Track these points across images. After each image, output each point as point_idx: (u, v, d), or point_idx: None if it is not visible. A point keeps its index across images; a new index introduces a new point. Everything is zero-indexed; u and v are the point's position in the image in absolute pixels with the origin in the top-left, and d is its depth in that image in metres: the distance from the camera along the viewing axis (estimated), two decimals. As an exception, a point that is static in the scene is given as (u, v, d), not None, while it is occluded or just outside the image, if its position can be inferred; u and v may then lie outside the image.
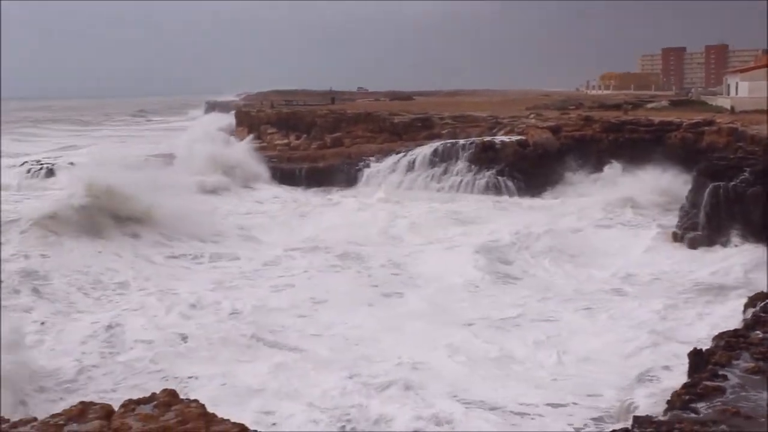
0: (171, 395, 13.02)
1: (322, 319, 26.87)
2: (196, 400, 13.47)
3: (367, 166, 58.80)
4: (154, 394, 13.34)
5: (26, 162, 68.43)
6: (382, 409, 18.65)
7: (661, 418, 14.74)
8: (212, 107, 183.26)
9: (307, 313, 27.49)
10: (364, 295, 30.14)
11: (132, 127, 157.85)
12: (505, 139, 57.63)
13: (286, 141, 72.31)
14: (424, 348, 23.14)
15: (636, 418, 14.63)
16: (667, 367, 21.12)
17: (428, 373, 21.11)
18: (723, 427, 14.12)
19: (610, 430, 14.33)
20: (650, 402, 17.86)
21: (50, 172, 63.27)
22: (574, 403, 19.37)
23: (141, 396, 13.28)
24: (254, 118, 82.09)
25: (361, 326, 25.85)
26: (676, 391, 15.84)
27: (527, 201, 51.46)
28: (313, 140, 69.64)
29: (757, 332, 19.58)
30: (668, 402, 15.70)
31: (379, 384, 20.20)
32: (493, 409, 19.03)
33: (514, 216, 45.77)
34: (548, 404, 19.35)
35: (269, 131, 76.21)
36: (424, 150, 57.98)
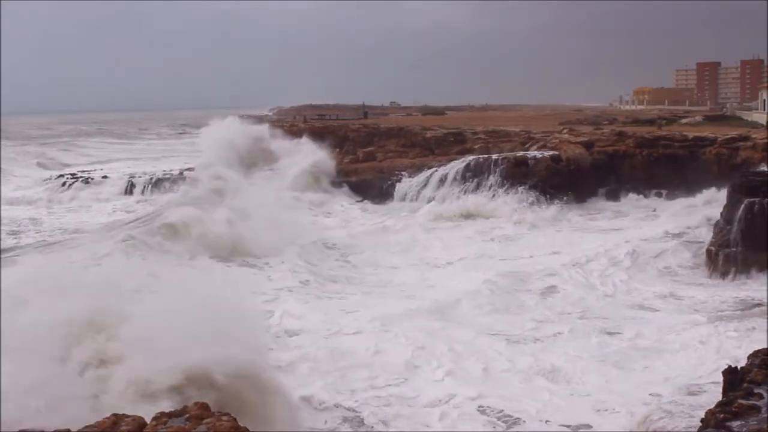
0: (203, 408, 13.06)
1: None
2: (228, 413, 13.48)
3: (399, 180, 58.73)
4: (186, 407, 13.40)
5: (62, 175, 69.53)
6: None
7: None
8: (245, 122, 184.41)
9: None
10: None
11: (178, 140, 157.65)
12: (538, 154, 57.45)
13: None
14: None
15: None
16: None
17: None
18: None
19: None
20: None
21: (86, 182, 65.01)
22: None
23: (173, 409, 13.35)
24: (287, 132, 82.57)
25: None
26: (710, 410, 15.69)
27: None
28: (346, 154, 69.83)
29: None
30: (702, 420, 15.56)
31: None
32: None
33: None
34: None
35: (302, 145, 76.56)
36: (457, 165, 57.92)
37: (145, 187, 64.18)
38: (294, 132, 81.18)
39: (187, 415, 12.82)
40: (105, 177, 68.13)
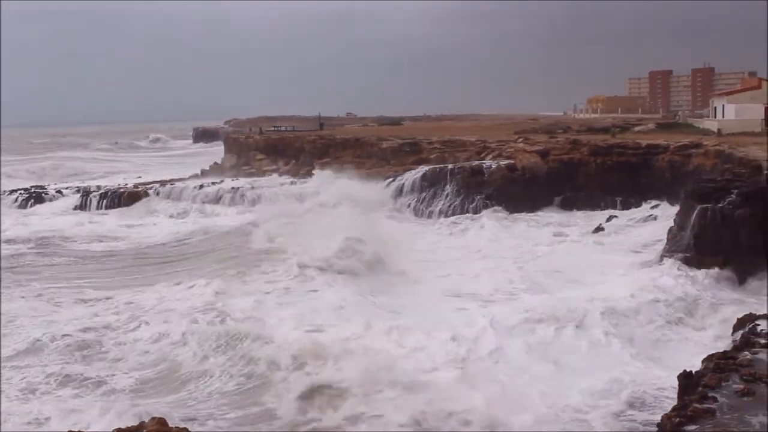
0: (160, 423, 12.97)
1: None
2: (185, 429, 13.40)
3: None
4: (143, 422, 13.29)
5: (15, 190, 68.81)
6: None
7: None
8: (200, 134, 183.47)
9: None
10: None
11: (154, 153, 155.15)
12: (494, 163, 57.77)
13: (275, 167, 72.39)
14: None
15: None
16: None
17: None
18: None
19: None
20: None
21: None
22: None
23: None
24: (243, 145, 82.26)
25: None
26: (666, 414, 15.86)
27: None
28: (302, 166, 69.71)
29: (746, 353, 19.63)
30: (658, 425, 15.72)
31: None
32: None
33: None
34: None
35: (258, 157, 76.39)
36: (413, 175, 58.08)
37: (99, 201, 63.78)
38: (250, 144, 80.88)
39: (144, 430, 12.73)
40: (59, 192, 67.63)
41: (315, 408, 21.07)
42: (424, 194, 56.47)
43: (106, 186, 69.63)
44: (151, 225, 56.45)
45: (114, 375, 24.35)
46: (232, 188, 63.26)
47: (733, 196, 36.75)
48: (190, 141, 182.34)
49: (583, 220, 50.66)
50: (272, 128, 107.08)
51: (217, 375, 24.01)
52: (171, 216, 59.32)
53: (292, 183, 64.46)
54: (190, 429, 13.69)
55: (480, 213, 53.11)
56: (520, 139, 67.35)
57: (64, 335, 27.93)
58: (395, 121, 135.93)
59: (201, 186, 65.05)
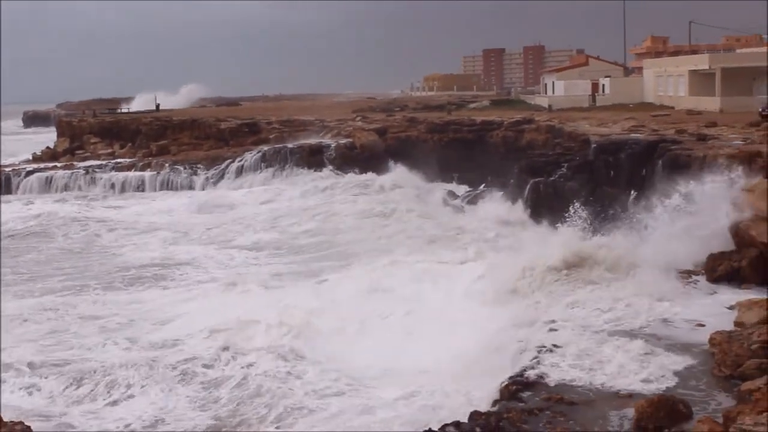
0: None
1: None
2: (21, 422, 13.13)
3: (195, 173, 57.62)
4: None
5: None
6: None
7: (492, 410, 15.21)
8: (31, 118, 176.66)
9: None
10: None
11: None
12: (333, 142, 57.99)
13: (110, 150, 70.44)
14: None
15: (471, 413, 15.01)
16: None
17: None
18: (547, 413, 14.72)
19: (442, 425, 14.59)
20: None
21: None
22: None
23: None
24: (76, 128, 79.54)
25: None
26: (503, 383, 16.39)
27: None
28: (139, 149, 68.14)
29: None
30: (499, 393, 16.23)
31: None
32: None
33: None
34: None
35: (92, 141, 74.01)
36: (253, 155, 57.68)
37: None
38: (84, 128, 78.32)
39: None
40: None
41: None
42: (264, 174, 56.11)
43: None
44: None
45: None
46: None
47: (564, 169, 38.16)
48: (21, 125, 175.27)
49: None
50: (107, 110, 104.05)
51: None
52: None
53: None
54: None
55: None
56: (358, 118, 67.82)
57: None
58: (233, 102, 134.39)
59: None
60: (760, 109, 47.83)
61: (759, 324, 18.58)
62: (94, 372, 21.53)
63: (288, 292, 28.90)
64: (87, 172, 59.43)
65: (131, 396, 20.30)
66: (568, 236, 27.53)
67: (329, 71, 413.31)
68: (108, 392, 20.51)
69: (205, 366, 21.79)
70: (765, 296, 20.87)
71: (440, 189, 50.80)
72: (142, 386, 20.67)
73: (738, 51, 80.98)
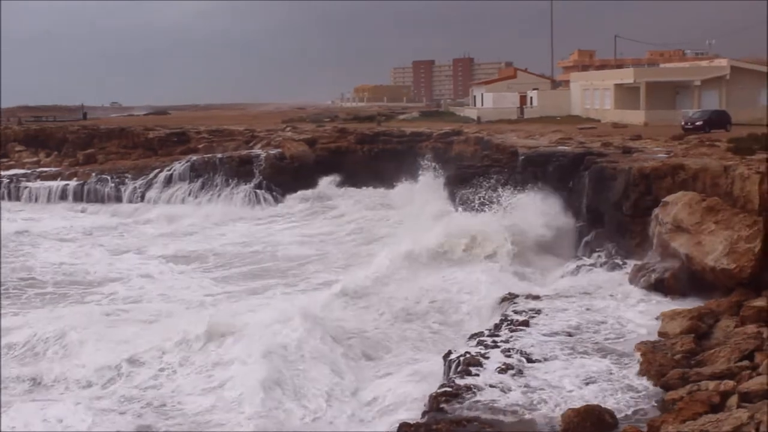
0: None
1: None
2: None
3: (123, 183, 56.81)
4: None
5: None
6: None
7: (421, 421, 15.24)
8: None
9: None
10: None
11: None
12: (263, 152, 57.65)
13: (35, 159, 69.18)
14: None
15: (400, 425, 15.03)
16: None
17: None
18: (476, 424, 14.79)
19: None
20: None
21: None
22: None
23: None
24: (1, 136, 78.00)
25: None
26: (432, 394, 16.43)
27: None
28: (65, 157, 67.05)
29: (506, 332, 20.64)
30: (426, 405, 16.25)
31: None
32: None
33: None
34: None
35: (17, 149, 72.57)
36: (182, 165, 57.05)
37: None
38: (8, 135, 76.76)
39: None
40: None
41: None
42: (193, 184, 55.53)
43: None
44: None
45: None
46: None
47: (493, 180, 38.49)
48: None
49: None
50: (32, 118, 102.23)
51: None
52: None
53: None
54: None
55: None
56: (288, 128, 67.60)
57: None
58: (161, 111, 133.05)
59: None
60: (683, 123, 49.01)
61: (682, 334, 18.97)
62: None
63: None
64: (11, 181, 58.50)
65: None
66: None
67: (259, 81, 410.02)
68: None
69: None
70: (687, 306, 21.33)
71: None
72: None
73: (662, 65, 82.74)
